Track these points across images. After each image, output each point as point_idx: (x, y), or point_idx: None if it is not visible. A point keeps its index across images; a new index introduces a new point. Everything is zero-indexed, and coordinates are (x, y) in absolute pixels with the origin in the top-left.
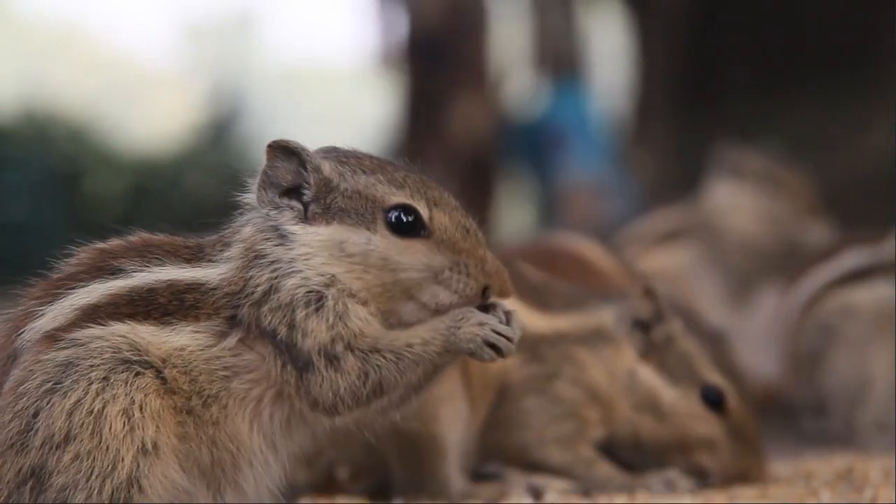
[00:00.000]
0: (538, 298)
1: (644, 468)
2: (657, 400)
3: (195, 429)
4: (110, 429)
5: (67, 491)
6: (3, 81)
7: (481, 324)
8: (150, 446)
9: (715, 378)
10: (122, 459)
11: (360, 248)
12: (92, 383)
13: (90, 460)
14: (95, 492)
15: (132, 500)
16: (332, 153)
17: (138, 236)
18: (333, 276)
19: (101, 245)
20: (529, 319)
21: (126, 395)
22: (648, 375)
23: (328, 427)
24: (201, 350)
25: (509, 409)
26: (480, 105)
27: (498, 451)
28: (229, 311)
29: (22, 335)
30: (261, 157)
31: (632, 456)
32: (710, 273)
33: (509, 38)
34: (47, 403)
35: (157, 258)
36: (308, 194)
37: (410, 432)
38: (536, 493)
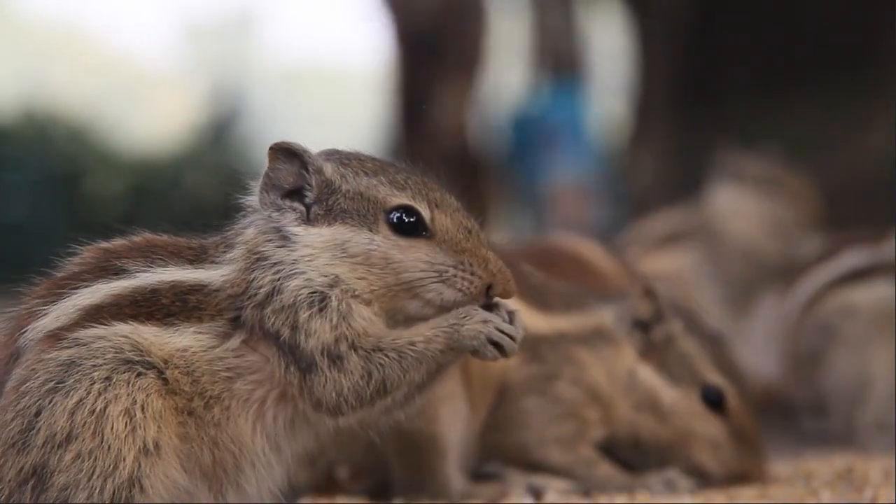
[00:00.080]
0: (538, 298)
1: (644, 468)
2: (657, 400)
3: (197, 429)
4: (112, 428)
5: (69, 490)
6: (3, 81)
7: (485, 321)
8: (151, 446)
9: (715, 378)
10: (124, 459)
11: (362, 249)
12: (94, 383)
13: (92, 460)
14: (97, 491)
15: (133, 500)
16: (334, 155)
17: (142, 236)
18: (337, 276)
19: (104, 245)
20: (530, 319)
21: (128, 395)
22: (648, 375)
23: (332, 428)
24: (204, 351)
25: (509, 410)
26: (470, 101)
27: (498, 451)
28: (232, 312)
29: (25, 334)
30: (261, 158)
31: (632, 456)
32: (711, 279)
33: (508, 36)
34: (49, 403)
35: (160, 259)
36: (310, 196)
37: (410, 432)
38: (536, 494)
